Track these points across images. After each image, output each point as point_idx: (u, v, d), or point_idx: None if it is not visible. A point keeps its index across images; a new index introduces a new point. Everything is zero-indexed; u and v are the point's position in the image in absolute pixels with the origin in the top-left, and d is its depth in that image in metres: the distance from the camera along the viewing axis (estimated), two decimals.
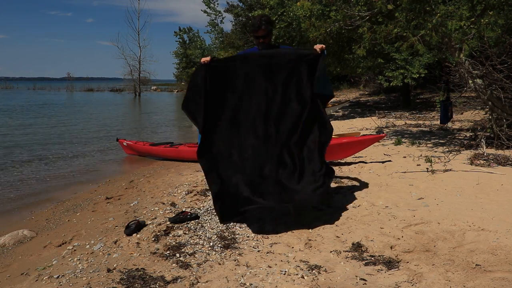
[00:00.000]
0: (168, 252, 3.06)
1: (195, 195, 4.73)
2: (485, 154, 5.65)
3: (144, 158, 8.64)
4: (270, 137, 3.51)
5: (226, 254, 3.00)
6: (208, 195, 4.55)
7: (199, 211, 4.02)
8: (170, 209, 4.21)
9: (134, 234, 3.52)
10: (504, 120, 6.21)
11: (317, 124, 3.56)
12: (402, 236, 3.16)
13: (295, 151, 3.48)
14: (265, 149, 3.49)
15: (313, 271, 2.66)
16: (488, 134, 6.44)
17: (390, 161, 6.00)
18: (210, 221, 3.72)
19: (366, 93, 24.71)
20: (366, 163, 6.05)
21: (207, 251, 3.06)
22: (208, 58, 3.57)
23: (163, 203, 4.49)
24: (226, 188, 3.45)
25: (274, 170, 3.44)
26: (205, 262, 2.86)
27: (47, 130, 13.68)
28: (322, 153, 3.55)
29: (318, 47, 3.59)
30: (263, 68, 3.55)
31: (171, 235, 3.41)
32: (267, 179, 3.42)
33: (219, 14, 51.46)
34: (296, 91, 3.54)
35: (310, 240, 3.20)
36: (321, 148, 3.55)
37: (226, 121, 3.54)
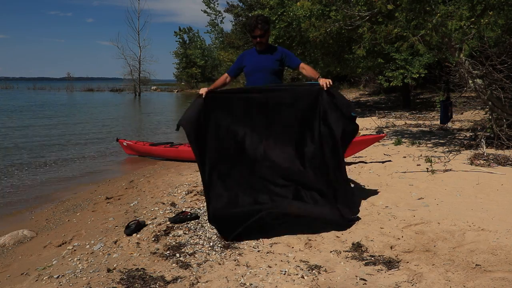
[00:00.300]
0: (168, 252, 3.06)
1: (195, 195, 4.73)
2: (485, 154, 5.65)
3: (144, 158, 8.63)
4: (267, 170, 3.48)
5: (226, 254, 3.00)
6: None
7: (199, 211, 4.02)
8: (170, 209, 4.21)
9: (134, 234, 3.51)
10: (504, 120, 6.21)
11: (324, 161, 3.50)
12: (402, 236, 3.16)
13: (299, 186, 3.45)
14: (262, 183, 3.45)
15: (313, 271, 2.65)
16: (488, 134, 6.44)
17: (390, 161, 6.00)
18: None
19: (366, 93, 24.70)
20: (366, 163, 6.05)
21: (207, 251, 3.06)
22: (204, 90, 3.55)
23: (163, 203, 4.49)
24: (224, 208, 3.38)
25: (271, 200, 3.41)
26: (205, 262, 2.86)
27: (47, 131, 13.67)
28: (330, 190, 3.45)
29: (324, 83, 3.51)
30: (262, 102, 3.56)
31: (171, 235, 3.41)
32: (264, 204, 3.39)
33: (219, 14, 51.57)
34: (299, 124, 3.55)
35: (310, 240, 3.20)
36: (328, 184, 3.46)
37: (224, 153, 3.49)
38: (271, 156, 3.52)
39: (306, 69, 3.82)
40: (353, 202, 3.64)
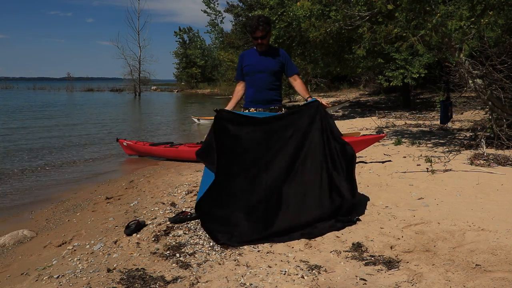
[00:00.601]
0: (168, 252, 3.06)
1: (195, 195, 4.72)
2: (485, 154, 5.65)
3: (144, 158, 8.64)
4: (273, 194, 3.48)
5: (226, 254, 3.00)
6: None
7: None
8: (170, 209, 4.21)
9: (134, 234, 3.51)
10: (504, 120, 6.21)
11: (328, 182, 3.52)
12: (402, 236, 3.16)
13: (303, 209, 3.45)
14: (266, 206, 3.45)
15: (313, 271, 2.65)
16: (488, 134, 6.44)
17: (390, 161, 6.00)
18: None
19: (366, 93, 24.71)
20: (366, 163, 6.05)
21: (207, 251, 3.06)
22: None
23: (163, 203, 4.49)
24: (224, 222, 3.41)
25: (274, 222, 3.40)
26: (205, 262, 2.86)
27: (46, 131, 13.67)
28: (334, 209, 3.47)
29: (322, 102, 3.65)
30: (266, 123, 3.59)
31: (171, 235, 3.41)
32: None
33: (219, 14, 51.71)
34: (303, 142, 3.57)
35: (310, 240, 3.20)
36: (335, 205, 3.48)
37: (228, 174, 3.51)
38: (274, 175, 3.52)
39: (298, 82, 3.86)
40: (355, 209, 3.63)
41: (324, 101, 3.69)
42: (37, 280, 2.86)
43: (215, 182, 3.46)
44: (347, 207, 3.51)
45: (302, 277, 2.59)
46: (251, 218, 3.37)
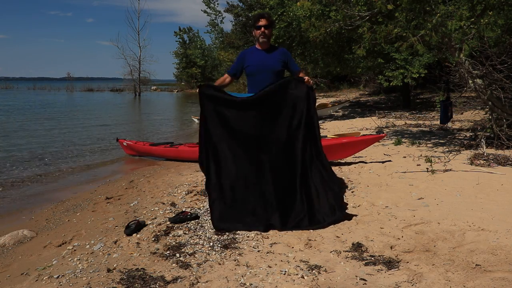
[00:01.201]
0: (168, 252, 3.06)
1: (195, 195, 4.73)
2: (485, 154, 5.65)
3: (144, 158, 8.63)
4: (265, 169, 3.51)
5: (226, 254, 3.00)
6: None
7: (199, 211, 4.02)
8: (170, 209, 4.21)
9: (134, 234, 3.51)
10: (504, 120, 6.21)
11: (314, 150, 3.58)
12: (402, 236, 3.16)
13: (294, 180, 3.51)
14: (261, 182, 3.49)
15: (313, 271, 2.66)
16: (488, 134, 6.44)
17: (390, 161, 6.00)
18: (210, 221, 3.71)
19: (366, 93, 24.72)
20: (366, 163, 6.05)
21: (207, 251, 3.06)
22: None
23: (163, 203, 4.49)
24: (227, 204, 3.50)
25: (271, 200, 3.45)
26: (205, 262, 2.86)
27: (47, 130, 13.68)
28: (321, 176, 3.54)
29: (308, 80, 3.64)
30: (254, 105, 3.58)
31: (171, 235, 3.41)
32: (266, 206, 3.44)
33: (219, 14, 51.69)
34: (288, 121, 3.57)
35: (310, 240, 3.20)
36: (319, 172, 3.54)
37: (223, 152, 3.55)
38: (272, 157, 3.54)
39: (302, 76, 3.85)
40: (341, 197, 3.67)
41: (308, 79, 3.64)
42: (37, 280, 2.86)
43: (212, 166, 3.54)
44: (341, 195, 3.57)
45: (302, 277, 2.59)
46: (255, 206, 3.43)
